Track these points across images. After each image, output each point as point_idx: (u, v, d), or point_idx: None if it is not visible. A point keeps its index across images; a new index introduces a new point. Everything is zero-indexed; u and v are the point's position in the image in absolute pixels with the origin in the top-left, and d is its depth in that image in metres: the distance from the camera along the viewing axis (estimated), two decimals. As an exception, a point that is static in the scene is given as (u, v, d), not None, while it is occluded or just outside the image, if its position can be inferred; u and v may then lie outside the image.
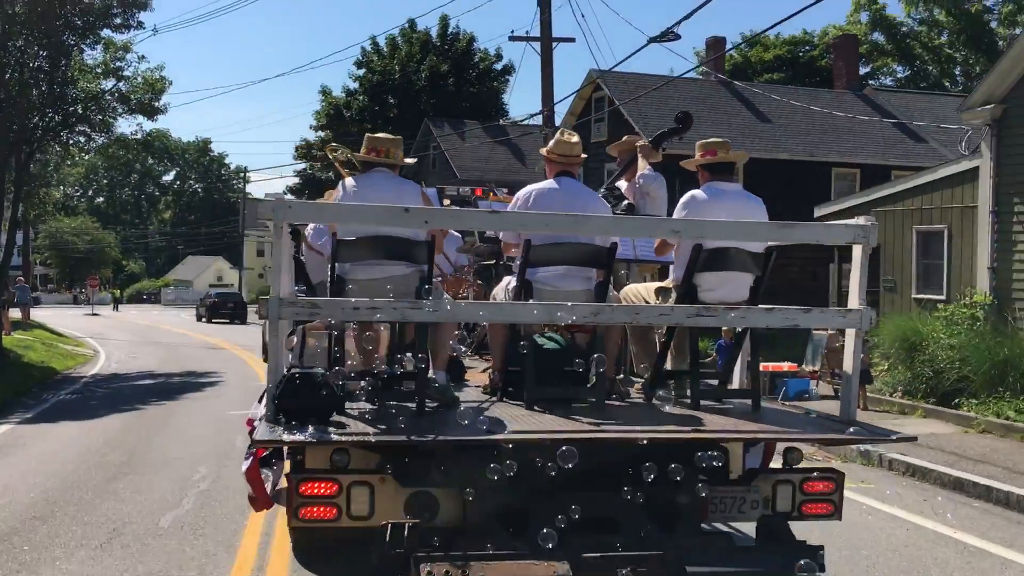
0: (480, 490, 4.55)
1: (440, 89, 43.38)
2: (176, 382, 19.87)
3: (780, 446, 5.55)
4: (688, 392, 5.56)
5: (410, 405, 5.10)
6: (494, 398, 5.58)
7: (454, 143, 39.29)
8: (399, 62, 43.72)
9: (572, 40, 24.44)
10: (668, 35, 14.08)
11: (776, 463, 5.66)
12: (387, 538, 4.46)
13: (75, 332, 36.55)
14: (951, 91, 43.28)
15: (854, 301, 5.21)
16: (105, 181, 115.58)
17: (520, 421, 4.79)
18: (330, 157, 6.48)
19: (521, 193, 5.76)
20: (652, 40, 14.66)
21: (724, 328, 11.93)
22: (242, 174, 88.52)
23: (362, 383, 4.95)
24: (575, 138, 5.91)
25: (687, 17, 11.01)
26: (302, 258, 7.27)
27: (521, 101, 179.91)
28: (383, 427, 4.64)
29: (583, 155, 5.92)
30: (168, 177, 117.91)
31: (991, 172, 14.68)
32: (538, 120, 25.57)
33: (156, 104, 25.68)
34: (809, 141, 28.82)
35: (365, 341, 5.63)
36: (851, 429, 5.08)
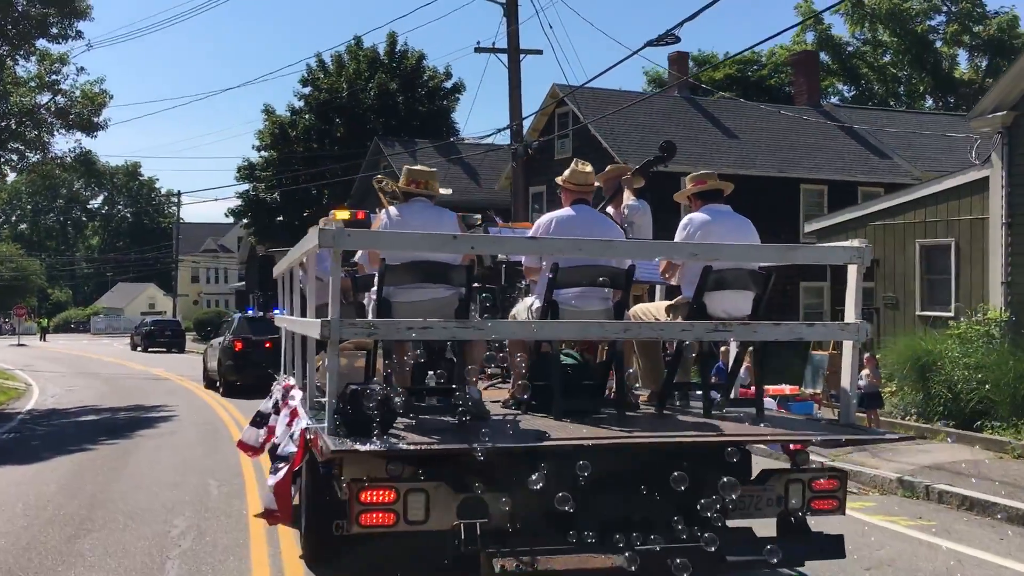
0: (527, 493, 4.76)
1: (389, 107, 42.11)
2: (124, 418, 18.23)
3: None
4: (684, 403, 6.34)
5: (443, 418, 5.47)
6: (519, 411, 5.91)
7: (406, 162, 38.04)
8: (347, 80, 42.31)
9: (540, 52, 23.43)
10: (667, 38, 13.19)
11: (778, 463, 6.30)
12: (463, 537, 4.79)
13: (2, 364, 34.31)
14: (902, 108, 43.45)
15: (851, 316, 5.70)
16: (29, 207, 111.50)
17: (558, 430, 5.19)
18: (376, 188, 6.84)
19: (542, 220, 6.25)
20: (649, 43, 13.76)
21: (723, 350, 12.89)
22: (174, 198, 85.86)
23: (401, 398, 5.15)
24: (588, 168, 6.40)
25: (690, 18, 10.37)
26: (301, 285, 7.55)
27: (481, 117, 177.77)
28: (438, 437, 4.97)
29: (595, 183, 6.48)
30: (96, 202, 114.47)
31: (1003, 182, 14.02)
32: (505, 136, 24.50)
33: (96, 119, 24.01)
34: (778, 157, 28.28)
35: (397, 360, 5.88)
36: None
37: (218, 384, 22.56)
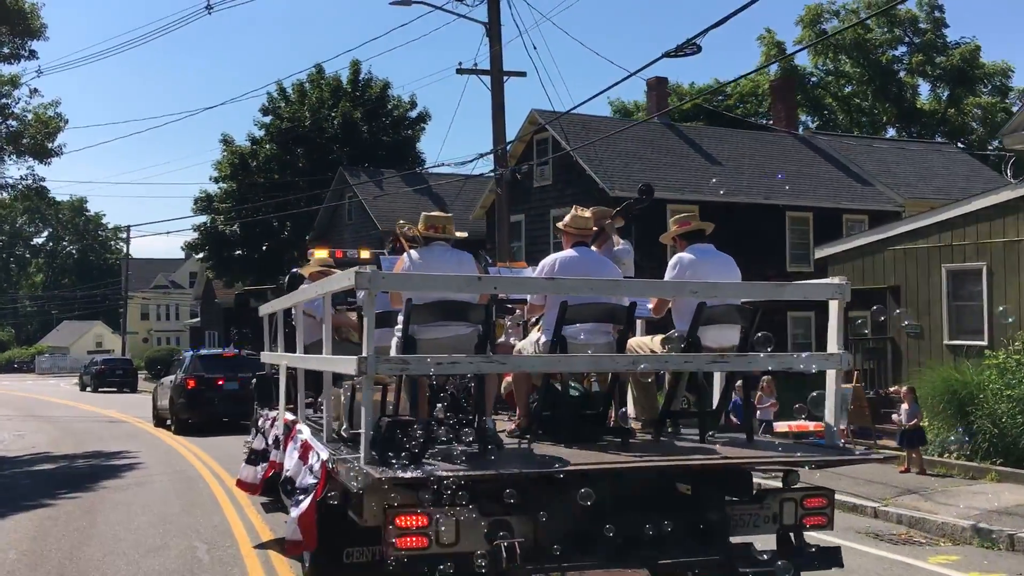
0: (550, 514, 5.17)
1: (353, 137, 40.82)
2: (83, 466, 16.59)
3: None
4: (675, 430, 6.84)
5: (457, 446, 5.61)
6: (526, 439, 6.16)
7: (371, 192, 36.75)
8: (309, 108, 40.95)
9: (523, 75, 22.45)
10: (688, 47, 12.22)
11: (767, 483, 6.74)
12: (504, 555, 5.01)
13: (-57, 408, 32.18)
14: (874, 136, 43.22)
15: (833, 347, 6.16)
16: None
17: (574, 456, 5.51)
18: (397, 233, 7.28)
19: (546, 261, 6.63)
20: (667, 55, 12.74)
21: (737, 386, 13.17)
22: (122, 233, 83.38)
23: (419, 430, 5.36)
24: (588, 213, 6.84)
25: (714, 26, 9.55)
26: (293, 323, 8.05)
27: (450, 144, 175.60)
28: (466, 465, 5.25)
29: (594, 228, 6.91)
30: (40, 239, 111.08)
31: (1041, 201, 13.17)
32: (481, 164, 23.35)
33: (49, 145, 22.40)
34: (762, 184, 27.51)
35: (410, 394, 6.20)
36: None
37: (168, 422, 22.57)
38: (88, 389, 46.23)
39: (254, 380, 11.97)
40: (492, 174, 24.41)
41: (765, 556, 5.49)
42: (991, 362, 13.38)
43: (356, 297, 7.99)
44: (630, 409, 6.95)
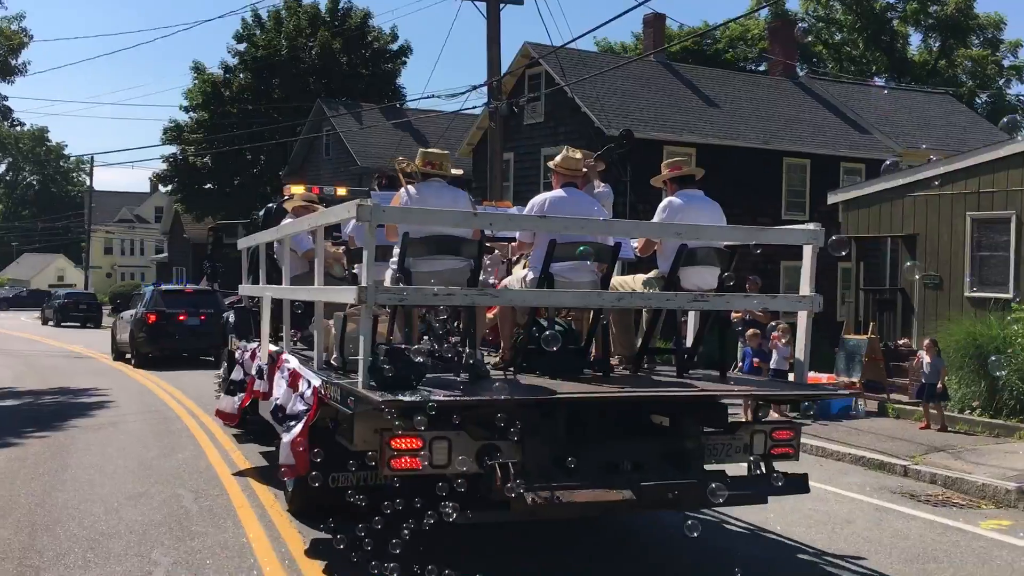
0: (537, 440, 5.51)
1: (331, 69, 39.28)
2: (49, 403, 15.60)
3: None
4: (651, 366, 7.26)
5: (447, 376, 6.03)
6: (511, 370, 6.39)
7: (350, 126, 35.43)
8: (286, 36, 39.29)
9: (520, 2, 21.20)
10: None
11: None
12: (499, 475, 5.29)
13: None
14: (879, 84, 42.41)
15: (806, 289, 6.54)
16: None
17: (559, 387, 5.79)
18: (397, 168, 7.14)
19: (536, 200, 6.79)
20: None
21: (748, 336, 13.81)
22: (86, 164, 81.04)
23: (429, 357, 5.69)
24: (579, 154, 7.02)
25: None
26: (275, 256, 8.60)
27: (441, 79, 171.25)
28: (459, 392, 5.54)
29: (584, 169, 7.17)
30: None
31: (1082, 146, 12.41)
32: (481, 95, 22.23)
33: (13, 62, 20.98)
34: (761, 128, 26.64)
35: (400, 324, 6.51)
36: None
37: (128, 356, 22.94)
38: (50, 323, 44.88)
39: (228, 314, 12.17)
40: (478, 110, 23.32)
41: (737, 481, 5.94)
42: (1018, 315, 12.73)
43: (340, 232, 8.38)
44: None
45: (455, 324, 6.68)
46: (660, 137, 24.23)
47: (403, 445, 5.36)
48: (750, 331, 13.93)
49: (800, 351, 6.69)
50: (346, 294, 6.06)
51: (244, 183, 41.30)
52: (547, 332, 5.94)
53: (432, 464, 5.41)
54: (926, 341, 12.74)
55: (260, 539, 7.15)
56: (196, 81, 39.86)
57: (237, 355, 9.95)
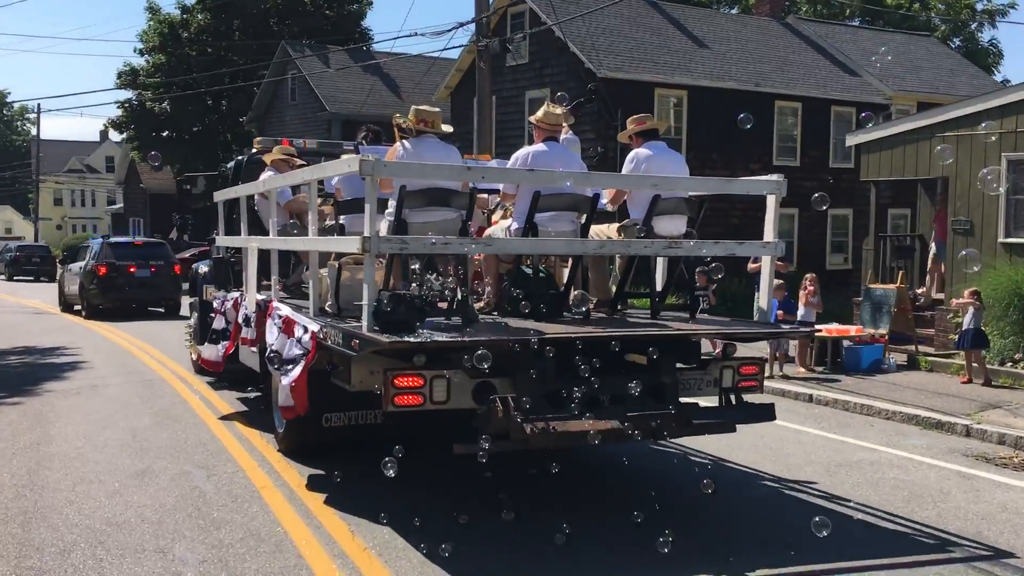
0: (527, 377, 5.83)
1: (295, 10, 37.52)
2: (16, 365, 14.39)
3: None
4: (624, 309, 7.63)
5: (440, 319, 6.31)
6: (495, 313, 7.01)
7: (317, 68, 33.82)
8: (247, -26, 37.39)
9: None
10: None
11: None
12: (499, 407, 5.61)
13: None
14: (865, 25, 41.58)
15: (769, 236, 7.03)
16: None
17: (545, 329, 6.13)
18: (394, 123, 7.32)
19: (519, 153, 7.30)
20: None
21: (775, 288, 13.32)
22: (31, 112, 77.94)
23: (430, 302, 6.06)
24: (559, 109, 7.50)
25: None
26: (256, 208, 9.26)
27: (413, 16, 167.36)
28: (456, 334, 5.83)
29: (564, 123, 7.58)
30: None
31: None
32: (462, 37, 20.98)
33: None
34: (752, 70, 25.70)
35: (396, 272, 6.82)
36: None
37: (77, 307, 23.20)
38: (2, 277, 43.04)
39: (198, 265, 12.31)
40: (455, 52, 22.11)
41: (709, 411, 6.56)
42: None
43: (324, 185, 8.51)
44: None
45: (445, 270, 6.95)
46: (651, 79, 23.22)
47: (406, 383, 5.77)
48: (777, 282, 13.15)
49: (763, 293, 7.32)
50: (350, 243, 6.45)
51: (206, 130, 39.57)
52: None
53: (432, 400, 5.84)
54: (967, 290, 12.02)
55: (296, 524, 6.19)
56: (151, 22, 37.82)
57: (216, 304, 10.18)
